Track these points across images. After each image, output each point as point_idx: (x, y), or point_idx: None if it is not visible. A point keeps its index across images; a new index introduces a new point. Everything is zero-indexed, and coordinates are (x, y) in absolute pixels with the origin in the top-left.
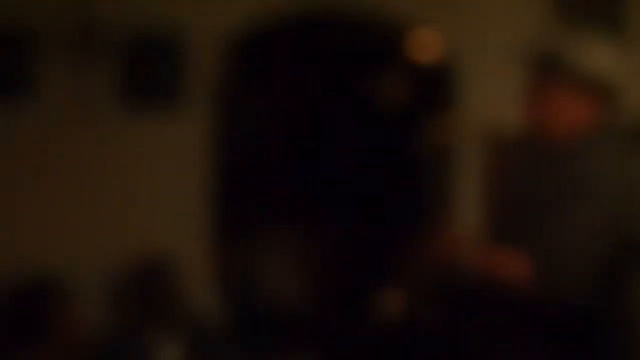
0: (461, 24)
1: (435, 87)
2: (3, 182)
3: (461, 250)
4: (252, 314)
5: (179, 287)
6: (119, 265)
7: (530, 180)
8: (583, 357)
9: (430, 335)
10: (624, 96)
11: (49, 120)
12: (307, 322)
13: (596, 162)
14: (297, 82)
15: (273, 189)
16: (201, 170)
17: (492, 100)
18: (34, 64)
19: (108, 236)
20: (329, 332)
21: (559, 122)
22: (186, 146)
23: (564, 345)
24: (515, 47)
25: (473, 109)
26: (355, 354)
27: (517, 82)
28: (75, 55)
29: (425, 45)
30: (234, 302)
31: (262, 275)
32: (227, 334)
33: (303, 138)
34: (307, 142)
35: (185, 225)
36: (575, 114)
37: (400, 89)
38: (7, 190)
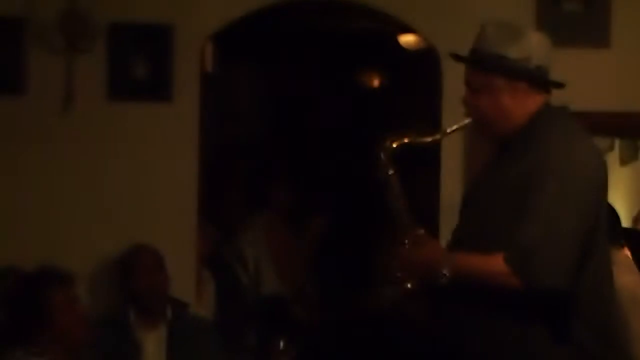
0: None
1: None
2: None
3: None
4: (232, 300)
5: (163, 272)
6: (104, 252)
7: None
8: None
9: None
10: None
11: (35, 110)
12: (285, 309)
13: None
14: (284, 70)
15: (259, 178)
16: (189, 158)
17: None
18: (19, 53)
19: (95, 225)
20: (306, 319)
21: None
22: (175, 136)
23: (544, 329)
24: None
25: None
26: (332, 344)
27: None
28: (63, 44)
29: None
30: (216, 287)
31: (243, 262)
32: (208, 318)
33: (289, 128)
34: (292, 132)
35: (170, 212)
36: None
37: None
38: None
